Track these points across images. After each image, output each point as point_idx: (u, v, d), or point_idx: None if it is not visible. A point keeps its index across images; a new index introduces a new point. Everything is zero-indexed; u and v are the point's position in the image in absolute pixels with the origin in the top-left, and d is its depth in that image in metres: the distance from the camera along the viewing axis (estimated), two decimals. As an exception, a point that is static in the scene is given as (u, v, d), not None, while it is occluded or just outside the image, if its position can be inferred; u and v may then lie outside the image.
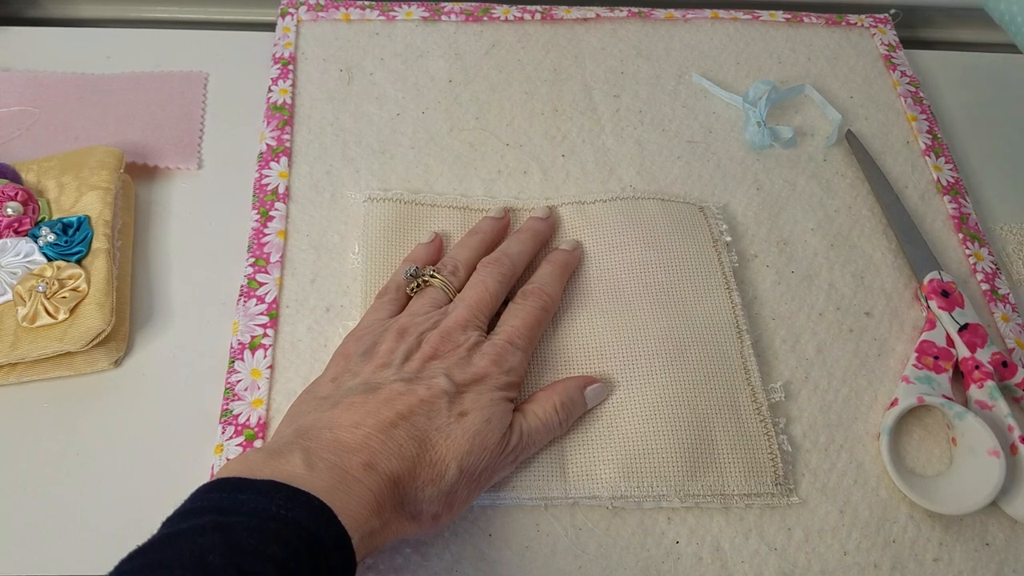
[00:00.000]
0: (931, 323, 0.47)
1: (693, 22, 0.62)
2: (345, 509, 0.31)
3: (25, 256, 0.44)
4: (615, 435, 0.41)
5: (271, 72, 0.56)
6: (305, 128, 0.54)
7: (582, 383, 0.42)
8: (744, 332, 0.46)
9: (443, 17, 0.60)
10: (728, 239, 0.49)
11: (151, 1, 0.63)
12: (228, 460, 0.40)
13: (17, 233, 0.44)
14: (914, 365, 0.45)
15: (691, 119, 0.57)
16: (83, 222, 0.45)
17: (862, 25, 0.63)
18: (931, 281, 0.48)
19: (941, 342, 0.46)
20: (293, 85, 0.56)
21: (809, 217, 0.52)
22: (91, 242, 0.44)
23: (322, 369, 0.41)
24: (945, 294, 0.47)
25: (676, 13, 0.63)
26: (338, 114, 0.55)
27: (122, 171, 0.48)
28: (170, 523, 0.30)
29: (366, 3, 0.60)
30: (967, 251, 0.51)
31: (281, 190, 0.50)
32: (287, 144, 0.53)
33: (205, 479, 0.34)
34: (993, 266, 0.51)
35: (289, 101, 0.55)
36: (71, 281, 0.43)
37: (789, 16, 0.63)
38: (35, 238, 0.44)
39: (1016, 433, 0.41)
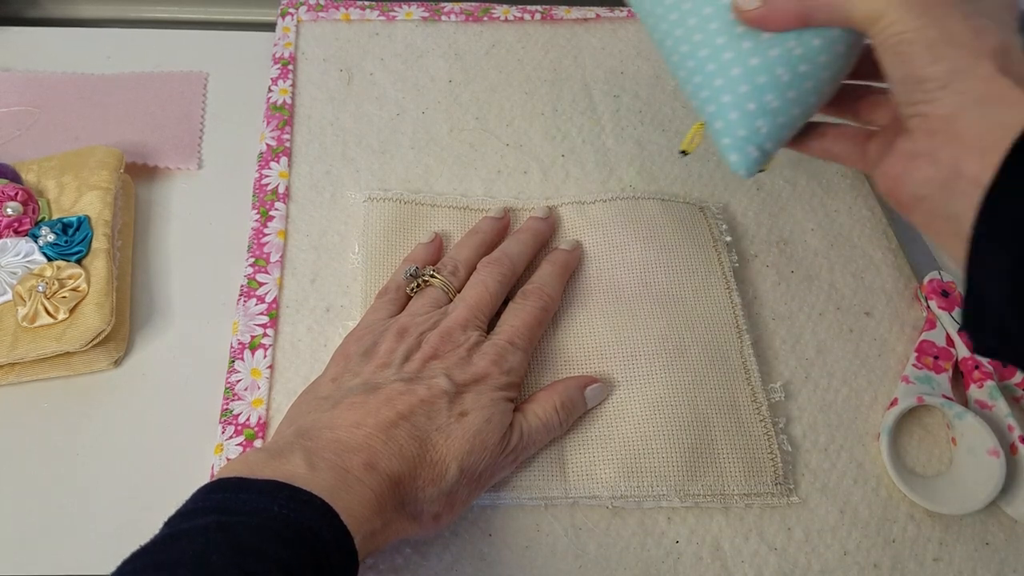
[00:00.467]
0: (931, 323, 0.47)
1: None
2: (347, 509, 0.31)
3: (25, 256, 0.44)
4: (615, 435, 0.41)
5: (271, 72, 0.56)
6: (305, 128, 0.54)
7: (582, 383, 0.42)
8: (744, 332, 0.46)
9: (443, 17, 0.60)
10: (728, 239, 0.49)
11: (151, 1, 0.64)
12: (228, 460, 0.40)
13: (17, 233, 0.44)
14: (914, 365, 0.45)
15: (691, 119, 0.57)
16: (83, 222, 0.45)
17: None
18: (931, 281, 0.48)
19: (941, 342, 0.46)
20: (293, 85, 0.56)
21: (809, 217, 0.52)
22: (91, 242, 0.44)
23: (322, 369, 0.41)
24: (945, 294, 0.47)
25: (676, 13, 0.62)
26: (338, 114, 0.55)
27: (122, 171, 0.48)
28: (172, 523, 0.30)
29: (366, 3, 0.60)
30: (967, 251, 0.51)
31: (281, 190, 0.50)
32: (287, 144, 0.53)
33: (205, 479, 0.34)
34: (993, 266, 0.51)
35: (289, 101, 0.55)
36: (71, 281, 0.43)
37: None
38: (35, 238, 0.44)
39: (1016, 433, 0.41)
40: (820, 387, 0.45)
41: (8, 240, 0.44)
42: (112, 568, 0.28)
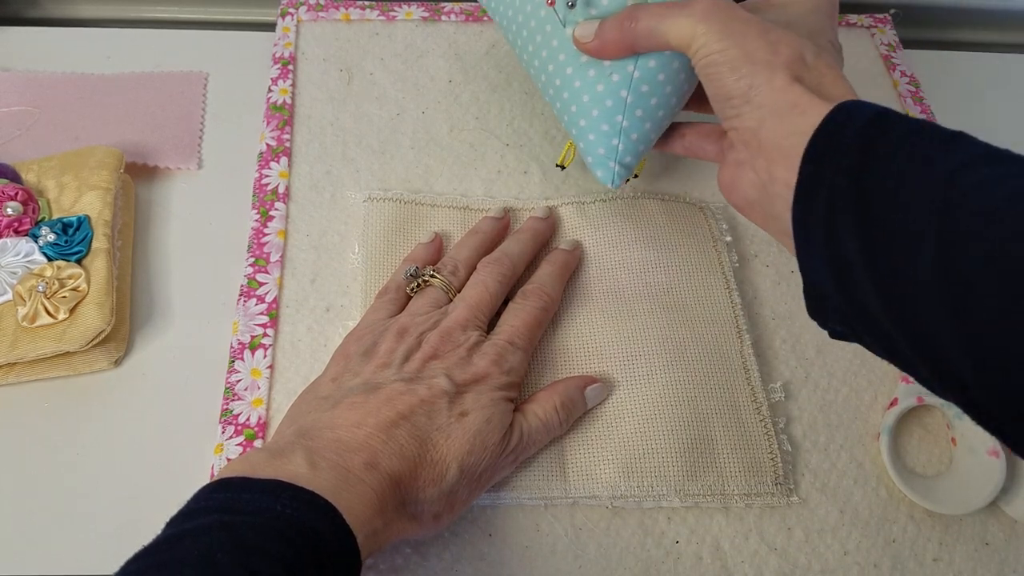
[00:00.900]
0: (931, 323, 0.47)
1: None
2: (349, 508, 0.31)
3: (25, 256, 0.44)
4: (615, 435, 0.41)
5: (271, 72, 0.56)
6: (305, 128, 0.54)
7: (582, 383, 0.42)
8: (744, 332, 0.46)
9: (443, 17, 0.60)
10: (728, 239, 0.49)
11: (151, 1, 0.64)
12: (229, 460, 0.40)
13: (17, 233, 0.44)
14: (914, 365, 0.45)
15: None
16: (83, 222, 0.45)
17: (862, 25, 0.63)
18: (931, 281, 0.48)
19: (941, 342, 0.46)
20: (293, 85, 0.56)
21: (809, 217, 0.52)
22: (91, 242, 0.44)
23: (322, 369, 0.41)
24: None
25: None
26: (338, 114, 0.55)
27: (122, 171, 0.48)
28: (174, 523, 0.30)
29: (366, 3, 0.60)
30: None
31: (281, 190, 0.50)
32: (287, 144, 0.53)
33: (205, 479, 0.34)
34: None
35: (289, 101, 0.55)
36: (71, 281, 0.43)
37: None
38: (35, 238, 0.44)
39: (1016, 433, 0.41)
40: (820, 387, 0.45)
41: (8, 240, 0.44)
42: (113, 568, 0.28)
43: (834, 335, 0.34)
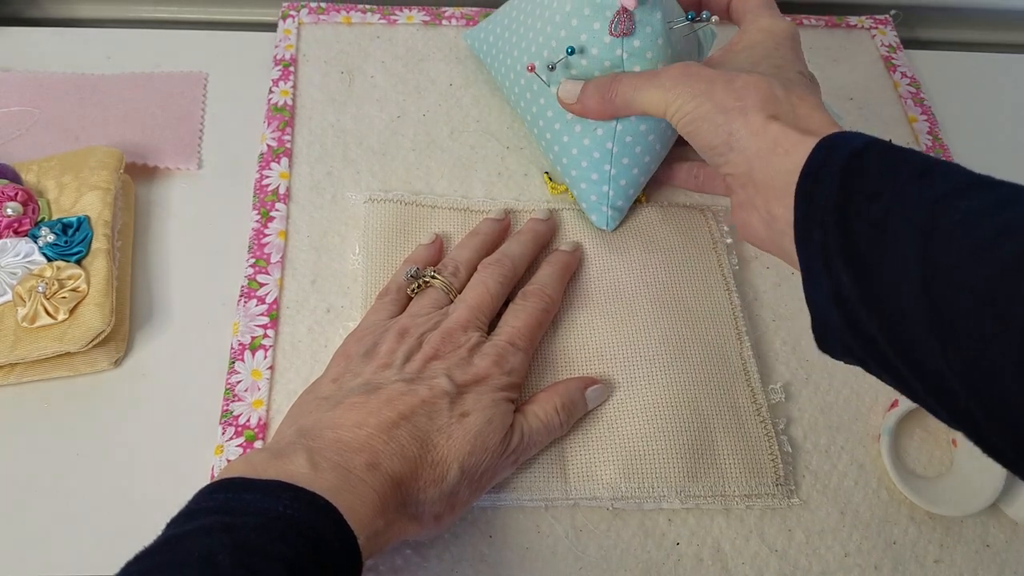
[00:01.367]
0: (931, 325, 0.47)
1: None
2: (350, 509, 0.31)
3: (25, 256, 0.44)
4: (616, 436, 0.41)
5: (272, 73, 0.56)
6: (306, 129, 0.54)
7: (583, 384, 0.42)
8: (744, 333, 0.46)
9: (444, 21, 0.60)
10: (729, 240, 0.49)
11: (151, 1, 0.63)
12: (229, 461, 0.40)
13: (17, 233, 0.44)
14: (915, 366, 0.45)
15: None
16: (83, 222, 0.45)
17: (862, 26, 0.63)
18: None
19: (941, 344, 0.46)
20: (294, 87, 0.56)
21: (809, 219, 0.52)
22: (91, 242, 0.44)
23: (322, 370, 0.41)
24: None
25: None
26: (339, 116, 0.55)
27: (122, 171, 0.48)
28: (175, 524, 0.30)
29: (367, 7, 0.60)
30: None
31: (282, 191, 0.50)
32: (288, 145, 0.53)
33: (205, 480, 0.34)
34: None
35: (290, 102, 0.55)
36: (71, 281, 0.43)
37: (789, 18, 0.63)
38: (35, 238, 0.44)
39: (1017, 434, 0.41)
40: (821, 388, 0.45)
41: (8, 240, 0.44)
42: (113, 569, 0.28)
43: (843, 361, 0.34)
